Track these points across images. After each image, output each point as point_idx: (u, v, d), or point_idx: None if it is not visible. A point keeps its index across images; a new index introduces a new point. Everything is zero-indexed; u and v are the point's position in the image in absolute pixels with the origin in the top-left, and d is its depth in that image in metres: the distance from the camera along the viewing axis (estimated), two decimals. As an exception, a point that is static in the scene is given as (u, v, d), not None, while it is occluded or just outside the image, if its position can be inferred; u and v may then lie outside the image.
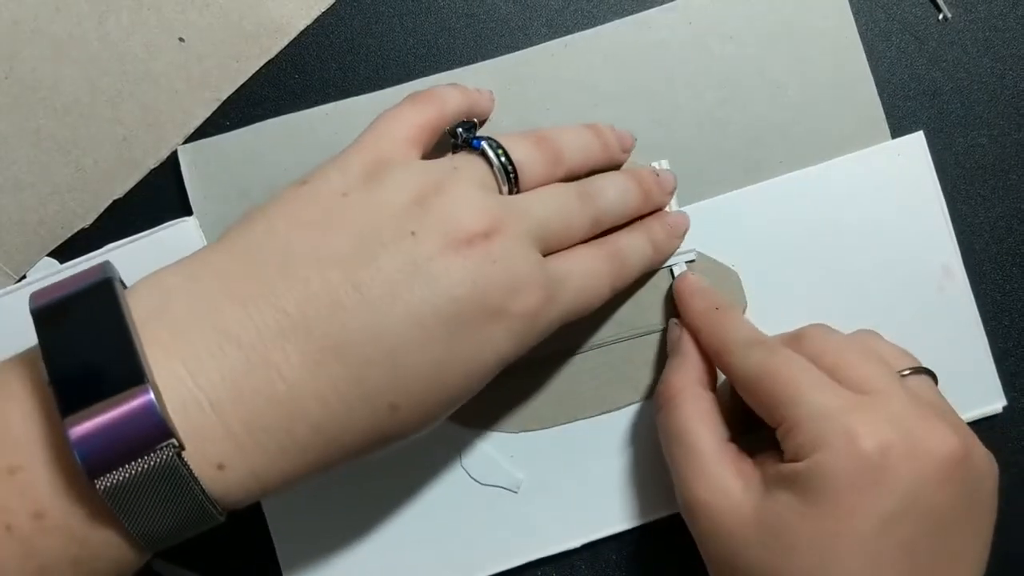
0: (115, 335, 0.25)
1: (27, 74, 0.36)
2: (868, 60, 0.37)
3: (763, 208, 0.36)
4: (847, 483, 0.28)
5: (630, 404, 0.36)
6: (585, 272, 0.31)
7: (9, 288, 0.35)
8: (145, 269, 0.35)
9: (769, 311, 0.36)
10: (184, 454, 0.24)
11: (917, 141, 0.37)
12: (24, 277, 0.36)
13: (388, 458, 0.36)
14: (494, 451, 0.36)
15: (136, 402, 0.23)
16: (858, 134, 0.37)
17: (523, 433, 0.36)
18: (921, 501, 0.28)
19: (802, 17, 0.37)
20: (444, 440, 0.36)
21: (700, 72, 0.37)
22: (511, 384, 0.36)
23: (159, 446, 0.24)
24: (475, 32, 0.37)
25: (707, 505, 0.30)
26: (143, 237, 0.35)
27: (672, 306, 0.36)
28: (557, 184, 0.32)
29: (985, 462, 0.30)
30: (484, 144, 0.30)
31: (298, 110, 0.36)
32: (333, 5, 0.37)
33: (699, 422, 0.32)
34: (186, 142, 0.36)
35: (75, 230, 0.36)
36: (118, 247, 0.35)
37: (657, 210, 0.36)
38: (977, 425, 0.37)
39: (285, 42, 0.37)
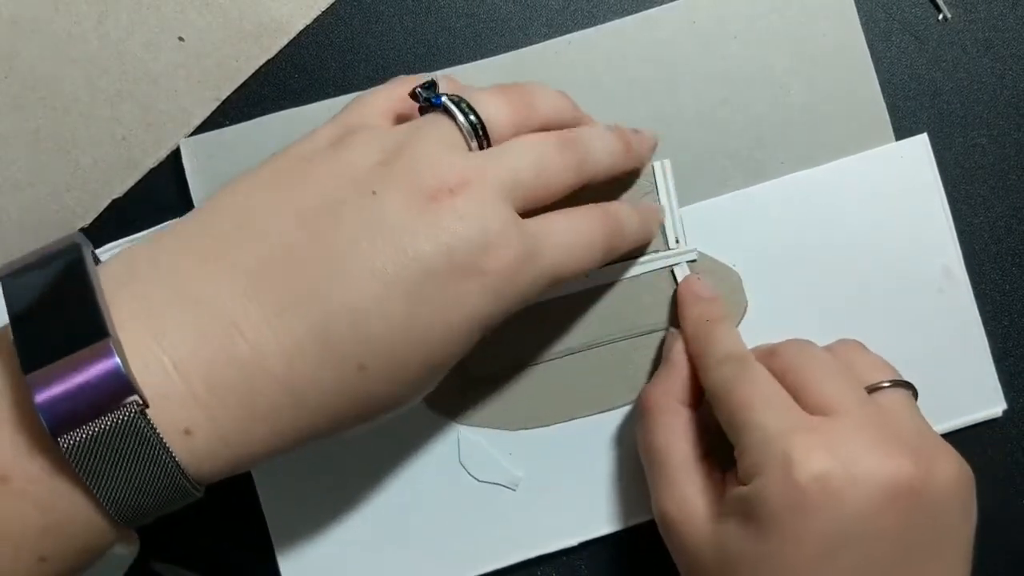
0: (77, 293, 0.24)
1: (26, 73, 0.36)
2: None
3: (765, 209, 0.36)
4: (783, 510, 0.27)
5: (628, 404, 0.36)
6: (569, 227, 0.29)
7: (8, 288, 0.35)
8: (145, 269, 0.35)
9: (770, 312, 0.36)
10: (149, 414, 0.24)
11: (920, 143, 0.37)
12: (23, 277, 0.36)
13: (386, 453, 0.36)
14: (493, 448, 0.36)
15: (98, 358, 0.23)
16: (862, 135, 0.37)
17: (522, 431, 0.36)
18: (868, 527, 0.27)
19: (807, 18, 0.37)
20: (442, 437, 0.36)
21: (703, 71, 0.37)
22: (510, 381, 0.36)
23: (122, 402, 0.23)
24: (475, 32, 0.37)
25: (673, 521, 0.31)
26: (142, 237, 0.35)
27: (673, 308, 0.36)
28: (536, 133, 0.30)
29: (949, 485, 0.29)
30: (445, 99, 0.29)
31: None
32: (333, 4, 0.37)
33: (672, 436, 0.32)
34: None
35: (74, 230, 0.36)
36: (117, 246, 0.35)
37: (633, 176, 0.35)
38: (976, 428, 0.37)
39: (285, 41, 0.37)
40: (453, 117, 0.29)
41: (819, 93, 0.37)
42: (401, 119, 0.31)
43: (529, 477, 0.36)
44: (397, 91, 0.31)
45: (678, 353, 0.34)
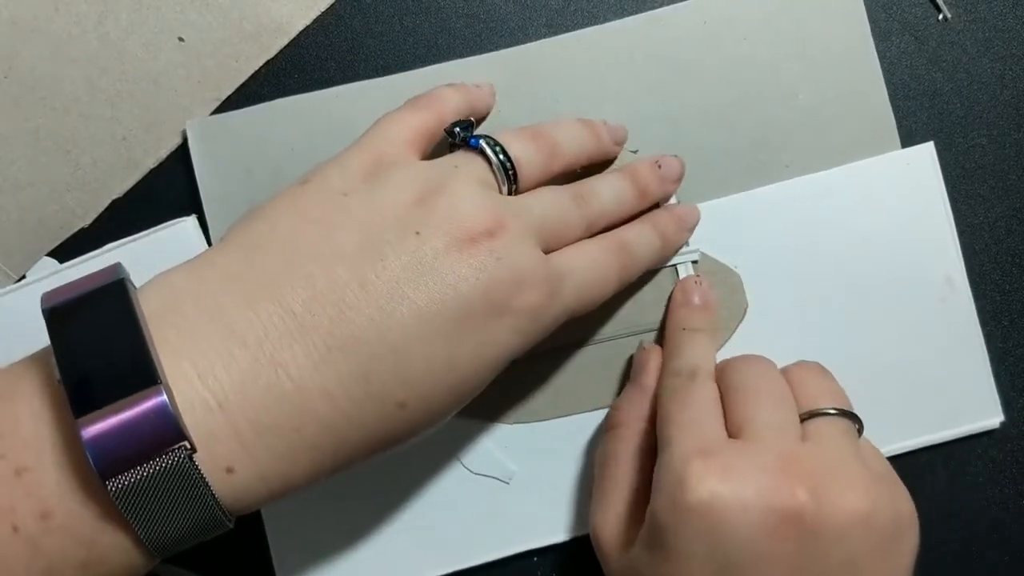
0: (128, 336, 0.24)
1: (26, 74, 0.36)
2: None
3: (768, 211, 0.36)
4: (673, 531, 0.28)
5: None
6: (589, 266, 0.31)
7: (9, 288, 0.35)
8: (145, 269, 0.35)
9: (770, 314, 0.36)
10: (195, 457, 0.24)
11: (926, 152, 0.36)
12: (24, 277, 0.36)
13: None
14: (488, 441, 0.36)
15: (149, 403, 0.23)
16: (868, 141, 0.36)
17: (518, 425, 0.36)
18: (759, 553, 0.27)
19: (818, 22, 0.36)
20: (439, 429, 0.36)
21: (711, 71, 0.37)
22: (509, 376, 0.36)
23: (171, 448, 0.24)
24: (475, 32, 0.37)
25: (598, 536, 0.32)
26: (142, 237, 0.35)
27: None
28: (552, 187, 0.32)
29: (850, 520, 0.28)
30: (482, 143, 0.30)
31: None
32: (333, 5, 0.37)
33: (626, 456, 0.32)
34: (185, 142, 0.36)
35: (74, 230, 0.36)
36: (117, 247, 0.35)
37: (662, 201, 0.36)
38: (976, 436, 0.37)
39: (285, 42, 0.37)
40: (486, 157, 0.30)
41: (827, 97, 0.36)
42: (426, 148, 0.31)
43: (523, 471, 0.36)
44: (423, 119, 0.31)
45: (648, 376, 0.34)
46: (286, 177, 0.36)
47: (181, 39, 0.36)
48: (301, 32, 0.37)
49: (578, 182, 0.33)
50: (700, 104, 0.36)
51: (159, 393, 0.24)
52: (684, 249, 0.36)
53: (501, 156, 0.30)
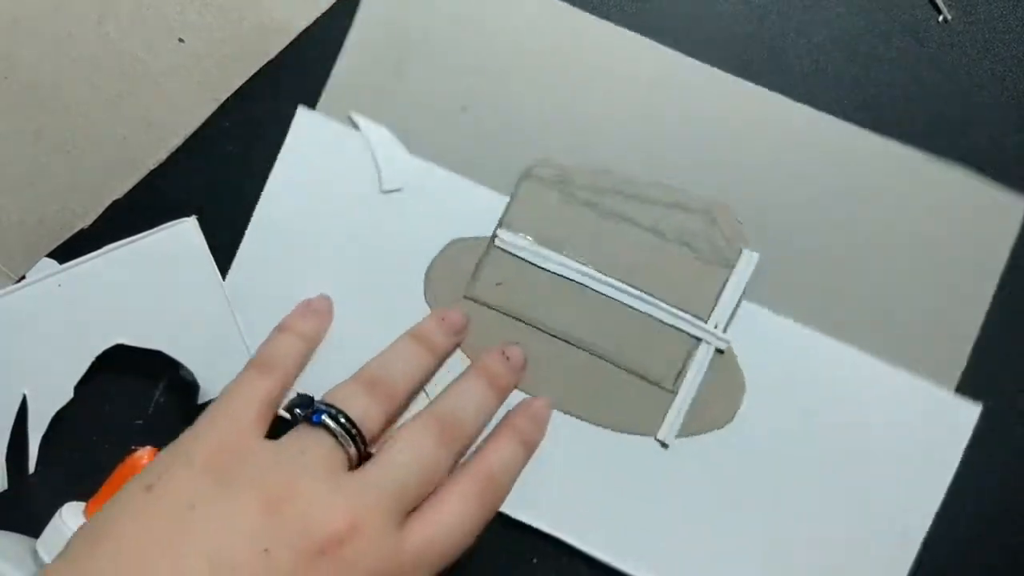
0: None
1: (27, 74, 0.36)
2: (870, 63, 0.37)
3: (807, 361, 0.36)
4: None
5: (645, 435, 0.36)
6: (455, 526, 0.31)
7: (9, 288, 0.35)
8: (144, 270, 0.35)
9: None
10: None
11: (969, 414, 0.36)
12: (23, 277, 0.36)
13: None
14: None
15: None
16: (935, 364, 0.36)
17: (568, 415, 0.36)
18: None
19: (961, 236, 0.36)
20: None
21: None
22: (553, 354, 0.36)
23: None
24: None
25: None
26: (143, 238, 0.35)
27: (675, 373, 0.36)
28: (411, 428, 0.32)
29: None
30: (324, 418, 0.30)
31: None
32: (332, 6, 0.37)
33: None
34: (186, 142, 0.36)
35: (75, 230, 0.36)
36: (117, 248, 0.35)
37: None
38: (976, 427, 0.37)
39: (285, 42, 0.37)
40: (330, 431, 0.30)
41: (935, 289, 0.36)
42: (272, 414, 0.32)
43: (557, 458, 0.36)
44: (267, 388, 0.32)
45: None
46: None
47: (181, 40, 0.36)
48: (301, 33, 0.37)
49: (437, 405, 0.33)
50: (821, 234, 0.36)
51: None
52: (716, 332, 0.36)
53: (345, 425, 0.30)
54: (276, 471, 0.29)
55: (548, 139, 0.36)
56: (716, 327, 0.36)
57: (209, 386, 0.35)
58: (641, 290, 0.36)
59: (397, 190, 0.36)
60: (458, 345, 0.36)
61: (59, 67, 0.36)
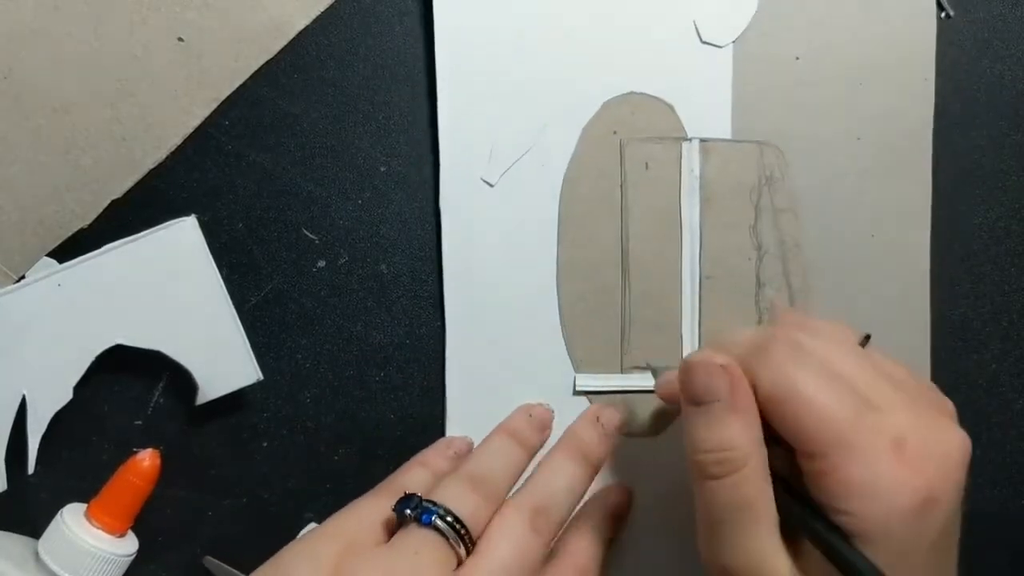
0: None
1: (26, 73, 0.36)
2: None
3: None
4: (900, 536, 0.27)
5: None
6: None
7: (8, 288, 0.35)
8: (144, 269, 0.35)
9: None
10: None
11: None
12: (23, 277, 0.36)
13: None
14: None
15: None
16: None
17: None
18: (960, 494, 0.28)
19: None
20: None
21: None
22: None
23: None
24: (475, 32, 0.37)
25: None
26: (142, 237, 0.35)
27: None
28: (507, 520, 0.32)
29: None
30: (435, 519, 0.31)
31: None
32: (332, 5, 0.37)
33: (771, 496, 0.29)
34: (185, 142, 0.36)
35: (74, 230, 0.36)
36: (117, 247, 0.35)
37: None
38: (976, 428, 0.37)
39: (284, 42, 0.37)
40: (440, 531, 0.30)
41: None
42: (394, 527, 0.32)
43: None
44: (384, 504, 0.32)
45: (744, 393, 0.30)
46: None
47: (180, 39, 0.36)
48: (301, 32, 0.37)
49: (530, 489, 0.33)
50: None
51: None
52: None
53: (453, 525, 0.31)
54: (393, 571, 0.30)
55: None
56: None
57: (208, 386, 0.35)
58: None
59: None
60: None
61: (59, 67, 0.36)
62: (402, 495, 0.32)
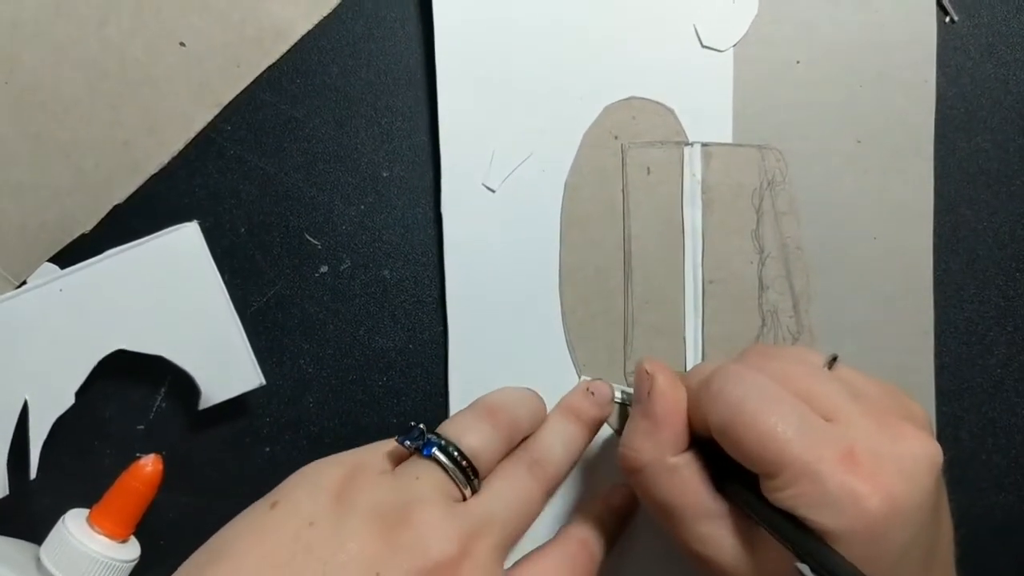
0: None
1: (28, 77, 0.36)
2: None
3: None
4: (864, 542, 0.27)
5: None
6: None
7: (9, 294, 0.35)
8: (146, 274, 0.35)
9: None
10: None
11: None
12: (24, 283, 0.36)
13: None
14: None
15: None
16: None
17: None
18: (936, 500, 0.28)
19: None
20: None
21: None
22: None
23: None
24: (477, 36, 0.37)
25: (709, 560, 0.30)
26: (144, 243, 0.35)
27: None
28: (506, 468, 0.32)
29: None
30: (435, 451, 0.31)
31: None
32: (335, 9, 0.37)
33: (680, 495, 0.31)
34: (188, 146, 0.36)
35: (76, 235, 0.36)
36: (119, 252, 0.35)
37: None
38: (979, 431, 0.36)
39: (287, 46, 0.37)
40: (441, 465, 0.31)
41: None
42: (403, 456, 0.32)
43: None
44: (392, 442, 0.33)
45: (659, 403, 0.32)
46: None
47: (182, 43, 0.36)
48: (303, 36, 0.37)
49: (527, 446, 0.34)
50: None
51: None
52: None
53: (456, 458, 0.31)
54: (394, 495, 0.30)
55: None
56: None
57: (211, 391, 0.35)
58: None
59: None
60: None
61: (60, 71, 0.36)
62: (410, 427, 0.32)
